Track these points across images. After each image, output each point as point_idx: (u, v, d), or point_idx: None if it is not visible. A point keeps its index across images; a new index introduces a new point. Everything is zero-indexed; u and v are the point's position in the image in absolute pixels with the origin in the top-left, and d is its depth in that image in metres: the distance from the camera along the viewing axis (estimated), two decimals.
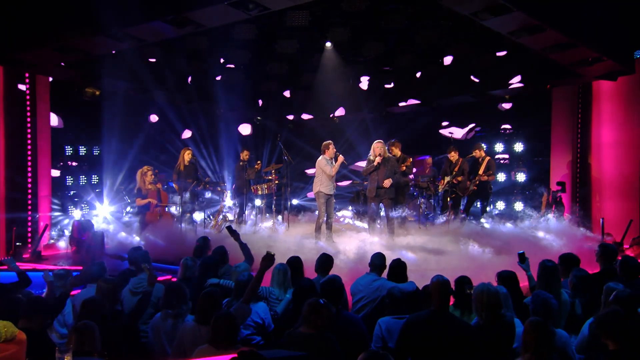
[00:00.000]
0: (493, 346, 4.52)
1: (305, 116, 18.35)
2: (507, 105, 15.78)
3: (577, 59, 11.66)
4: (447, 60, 14.99)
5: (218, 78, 15.45)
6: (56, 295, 5.79)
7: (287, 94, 17.82)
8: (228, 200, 13.22)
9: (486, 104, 15.80)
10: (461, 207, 12.99)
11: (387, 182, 10.99)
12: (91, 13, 9.12)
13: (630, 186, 13.02)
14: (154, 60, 13.53)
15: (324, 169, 11.05)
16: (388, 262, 6.78)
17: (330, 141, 11.44)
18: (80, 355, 4.05)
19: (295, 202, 14.58)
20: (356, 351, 4.48)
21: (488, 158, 12.49)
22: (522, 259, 6.39)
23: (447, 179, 12.75)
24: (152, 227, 11.26)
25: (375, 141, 11.41)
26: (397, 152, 12.32)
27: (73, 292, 6.29)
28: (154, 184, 11.79)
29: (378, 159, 10.98)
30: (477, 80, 14.85)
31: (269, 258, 5.77)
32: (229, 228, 7.55)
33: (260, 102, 17.87)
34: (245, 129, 18.50)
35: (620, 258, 6.40)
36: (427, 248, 10.24)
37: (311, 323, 4.46)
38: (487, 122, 16.34)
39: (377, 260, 6.76)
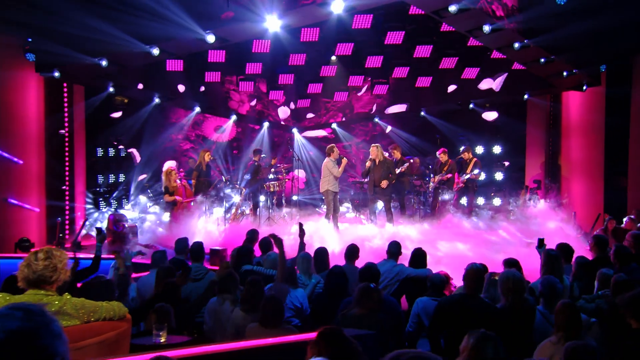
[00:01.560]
0: (516, 326, 4.48)
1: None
2: (492, 116, 15.83)
3: (553, 72, 11.77)
4: (436, 72, 14.97)
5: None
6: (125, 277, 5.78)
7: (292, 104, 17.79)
8: (236, 197, 13.10)
9: (468, 111, 15.77)
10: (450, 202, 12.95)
11: (384, 183, 10.91)
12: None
13: (596, 185, 13.15)
14: (179, 71, 13.52)
15: (332, 170, 10.95)
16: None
17: (334, 144, 11.38)
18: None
19: (294, 197, 14.43)
20: (395, 328, 4.70)
21: (475, 159, 12.44)
22: (541, 244, 6.37)
23: (437, 177, 12.64)
24: (180, 220, 11.15)
25: (372, 145, 11.38)
26: (398, 154, 12.29)
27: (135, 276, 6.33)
28: (178, 182, 11.65)
29: (368, 163, 11.02)
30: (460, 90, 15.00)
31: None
32: (301, 225, 7.33)
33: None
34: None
35: (613, 247, 6.34)
36: (421, 238, 10.03)
37: (364, 305, 4.47)
38: (471, 127, 16.27)
39: (394, 248, 6.76)
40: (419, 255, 6.57)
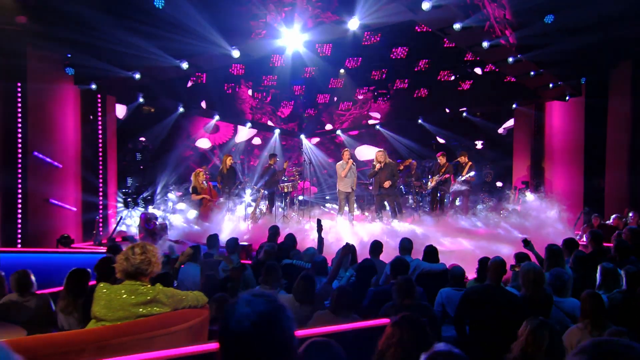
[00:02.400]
0: (536, 313, 4.37)
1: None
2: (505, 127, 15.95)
3: (541, 83, 12.08)
4: (434, 84, 15.25)
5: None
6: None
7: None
8: (253, 198, 13.30)
9: (461, 119, 15.98)
10: (446, 202, 13.21)
11: (387, 184, 11.09)
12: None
13: (576, 186, 13.38)
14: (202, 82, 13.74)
15: (337, 170, 11.27)
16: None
17: (346, 148, 11.62)
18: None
19: (300, 197, 14.62)
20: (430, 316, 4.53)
21: (470, 163, 12.62)
22: (527, 243, 6.35)
23: (435, 178, 12.79)
24: (206, 217, 11.38)
25: (377, 150, 11.59)
26: (408, 162, 12.50)
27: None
28: (205, 183, 11.82)
29: (378, 165, 11.12)
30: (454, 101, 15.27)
31: (348, 247, 5.90)
32: (319, 221, 7.41)
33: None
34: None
35: (614, 241, 6.47)
36: (426, 234, 10.19)
37: (408, 296, 4.47)
38: (464, 133, 16.55)
39: (407, 244, 6.80)
40: (431, 252, 6.61)
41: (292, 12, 9.24)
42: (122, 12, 9.69)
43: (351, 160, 11.34)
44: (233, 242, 7.19)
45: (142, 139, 14.12)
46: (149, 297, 3.22)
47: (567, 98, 13.21)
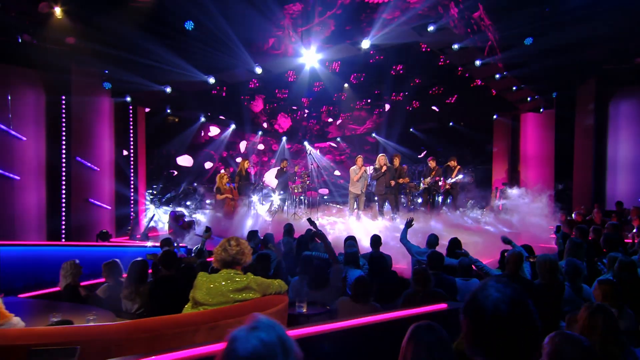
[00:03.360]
0: (551, 298, 4.56)
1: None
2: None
3: (520, 97, 12.65)
4: (425, 97, 15.68)
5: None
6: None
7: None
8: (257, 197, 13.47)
9: (448, 127, 16.47)
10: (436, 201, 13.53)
11: (392, 183, 11.36)
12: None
13: (547, 187, 13.71)
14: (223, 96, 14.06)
15: (351, 174, 11.48)
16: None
17: (360, 155, 11.79)
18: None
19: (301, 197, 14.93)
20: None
21: (458, 166, 12.78)
22: (505, 240, 6.26)
23: (427, 180, 12.97)
24: (229, 214, 11.67)
25: (380, 154, 11.81)
26: (397, 162, 12.93)
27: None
28: (228, 185, 12.11)
29: (384, 167, 11.34)
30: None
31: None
32: (310, 220, 7.22)
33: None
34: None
35: (602, 235, 6.57)
36: (423, 229, 10.34)
37: (420, 283, 4.55)
38: (449, 141, 16.89)
39: (433, 239, 6.81)
40: (455, 244, 6.66)
41: (309, 33, 9.63)
42: (159, 31, 9.96)
43: (364, 166, 11.47)
44: (270, 236, 7.44)
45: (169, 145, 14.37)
46: (243, 285, 3.29)
47: (541, 110, 13.72)
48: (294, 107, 16.73)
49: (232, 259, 3.31)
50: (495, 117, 15.03)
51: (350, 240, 6.72)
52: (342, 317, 4.26)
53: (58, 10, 8.27)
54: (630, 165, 13.55)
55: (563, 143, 13.82)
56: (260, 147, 17.85)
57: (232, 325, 2.69)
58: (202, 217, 12.32)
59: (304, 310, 4.40)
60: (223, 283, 3.26)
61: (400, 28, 8.32)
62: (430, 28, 8.15)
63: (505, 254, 5.47)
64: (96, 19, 9.10)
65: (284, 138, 17.41)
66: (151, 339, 2.65)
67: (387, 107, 16.65)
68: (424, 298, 4.35)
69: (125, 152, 12.39)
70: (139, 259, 5.33)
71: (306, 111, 17.15)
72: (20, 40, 8.33)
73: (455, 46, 8.92)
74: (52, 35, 9.16)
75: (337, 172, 17.47)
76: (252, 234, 7.76)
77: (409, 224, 6.84)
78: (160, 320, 3.01)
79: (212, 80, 10.86)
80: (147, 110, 13.36)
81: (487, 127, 15.76)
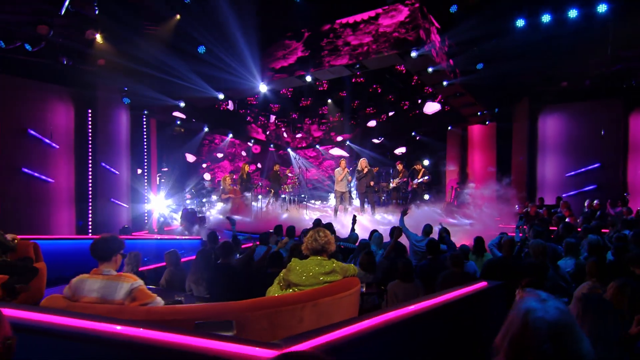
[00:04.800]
0: (540, 274, 4.47)
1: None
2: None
3: (473, 112, 13.50)
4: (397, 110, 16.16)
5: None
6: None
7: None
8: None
9: (412, 136, 16.95)
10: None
11: (372, 183, 11.76)
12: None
13: (490, 185, 14.15)
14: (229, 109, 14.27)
15: (335, 175, 11.74)
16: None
17: (342, 158, 12.17)
18: None
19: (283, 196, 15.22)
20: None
21: (423, 169, 13.43)
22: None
23: (396, 180, 13.53)
24: (235, 210, 11.93)
25: (361, 158, 12.07)
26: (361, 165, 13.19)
27: None
28: (232, 186, 12.37)
29: (365, 169, 11.63)
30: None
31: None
32: (354, 218, 7.67)
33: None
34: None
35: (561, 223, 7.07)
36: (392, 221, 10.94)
37: (458, 265, 4.65)
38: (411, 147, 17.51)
39: (429, 228, 6.96)
40: (445, 231, 6.80)
41: (307, 59, 10.05)
42: (178, 53, 10.28)
43: (346, 168, 11.73)
44: (292, 229, 7.60)
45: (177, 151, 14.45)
46: (330, 269, 3.36)
47: (487, 122, 14.55)
48: (284, 120, 17.06)
49: (322, 247, 3.42)
50: (449, 128, 15.77)
51: (376, 232, 6.91)
52: (393, 296, 4.56)
53: (98, 37, 8.48)
54: (555, 168, 14.53)
55: (502, 149, 14.62)
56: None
57: (329, 303, 3.03)
58: (214, 212, 12.54)
59: (364, 289, 4.51)
60: (315, 267, 3.36)
61: (389, 54, 8.75)
62: (413, 54, 8.48)
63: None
64: (124, 44, 9.32)
65: (272, 145, 17.73)
66: (270, 315, 2.76)
67: (358, 120, 17.20)
68: (461, 278, 4.46)
69: (139, 158, 12.47)
70: (204, 248, 5.60)
71: (289, 121, 17.55)
72: (65, 62, 8.46)
73: (430, 69, 9.37)
74: (88, 58, 9.32)
75: (314, 173, 17.86)
76: (277, 228, 7.86)
77: (404, 213, 7.09)
78: (275, 299, 3.13)
79: (221, 96, 11.16)
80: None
81: (442, 137, 16.36)
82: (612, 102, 13.50)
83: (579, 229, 7.11)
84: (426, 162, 16.24)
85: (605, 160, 13.76)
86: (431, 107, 13.86)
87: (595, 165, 13.98)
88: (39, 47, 7.91)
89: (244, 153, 16.99)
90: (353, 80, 12.67)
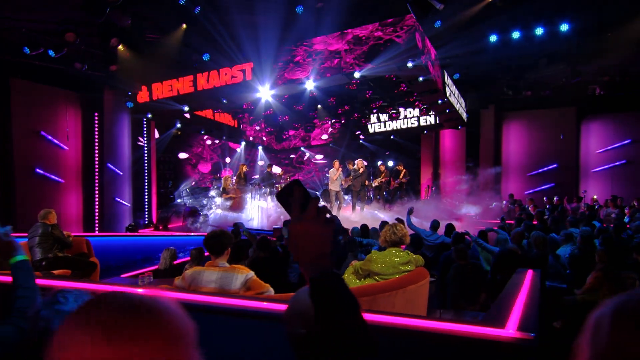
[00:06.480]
0: (542, 263, 4.69)
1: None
2: None
3: (448, 117, 14.33)
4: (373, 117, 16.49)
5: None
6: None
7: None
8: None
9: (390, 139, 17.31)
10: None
11: (367, 182, 12.06)
12: None
13: (458, 183, 15.19)
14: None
15: (330, 175, 11.87)
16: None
17: (336, 159, 12.34)
18: None
19: None
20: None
21: (404, 170, 13.96)
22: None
23: (379, 179, 13.90)
24: (236, 208, 12.13)
25: (358, 159, 12.26)
26: (351, 165, 13.73)
27: None
28: (232, 185, 12.52)
29: (362, 169, 11.80)
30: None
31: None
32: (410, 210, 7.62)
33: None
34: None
35: (550, 218, 7.51)
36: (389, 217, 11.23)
37: (462, 258, 4.81)
38: (391, 149, 18.02)
39: (436, 224, 6.95)
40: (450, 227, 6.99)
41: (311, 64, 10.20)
42: (185, 60, 10.40)
43: (340, 168, 11.81)
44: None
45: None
46: (407, 259, 3.44)
47: (459, 127, 15.17)
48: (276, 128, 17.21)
49: (399, 240, 3.51)
50: (425, 132, 16.54)
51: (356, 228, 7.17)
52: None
53: (120, 46, 8.59)
54: (517, 167, 15.70)
55: (471, 150, 15.39)
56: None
57: (412, 289, 3.10)
58: (217, 209, 12.67)
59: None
60: (394, 258, 3.43)
61: (388, 64, 9.12)
62: (410, 64, 8.52)
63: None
64: (137, 53, 9.43)
65: (260, 147, 17.94)
66: (370, 301, 2.84)
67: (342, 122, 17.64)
68: (472, 269, 4.64)
69: (140, 159, 12.48)
70: (238, 240, 5.87)
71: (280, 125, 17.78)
72: (78, 68, 8.49)
73: (421, 78, 9.62)
74: (102, 64, 9.36)
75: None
76: (286, 224, 8.03)
77: (410, 212, 7.40)
78: (372, 287, 3.18)
79: (225, 101, 11.34)
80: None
81: (417, 139, 17.04)
82: (568, 110, 14.73)
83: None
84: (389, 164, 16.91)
85: (562, 162, 14.99)
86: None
87: (553, 165, 15.21)
88: (61, 54, 7.95)
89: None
90: (347, 86, 13.04)
